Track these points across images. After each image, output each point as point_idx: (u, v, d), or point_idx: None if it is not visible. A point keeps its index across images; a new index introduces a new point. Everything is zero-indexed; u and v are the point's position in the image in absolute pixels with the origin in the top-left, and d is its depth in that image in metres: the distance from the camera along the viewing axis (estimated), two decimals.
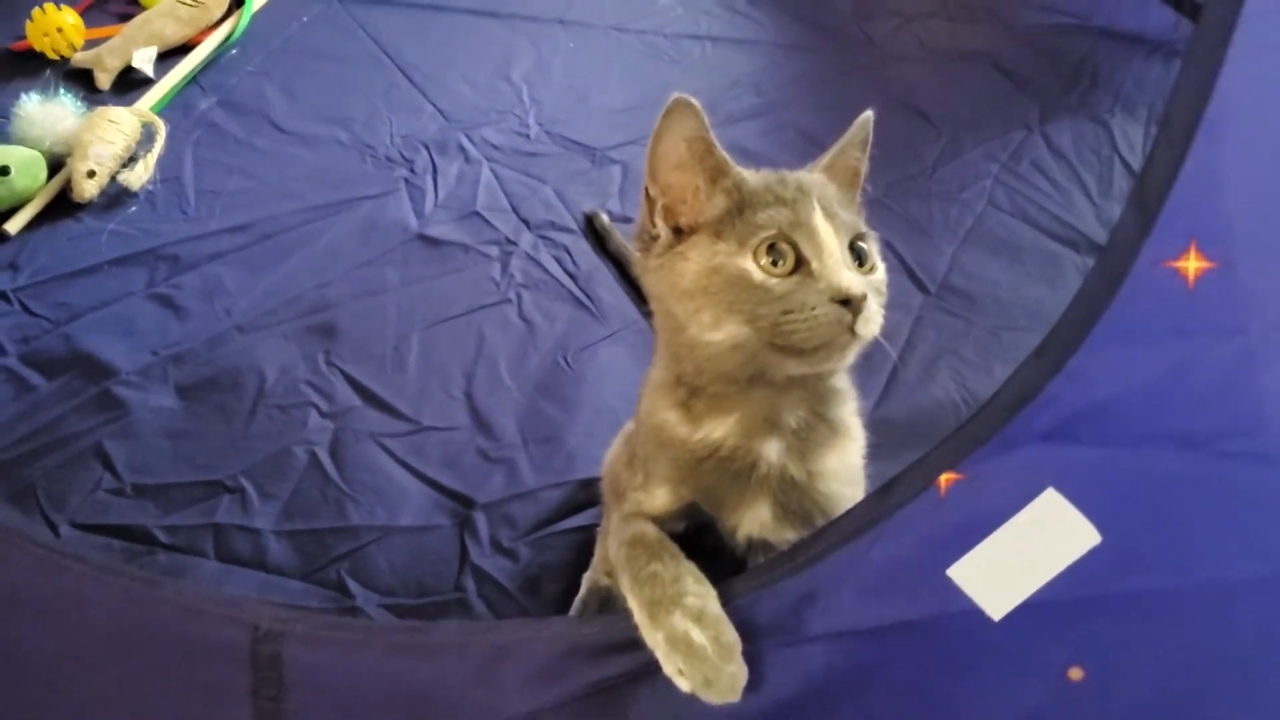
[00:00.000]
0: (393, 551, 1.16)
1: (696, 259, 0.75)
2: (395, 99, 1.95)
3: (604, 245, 1.61)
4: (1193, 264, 0.61)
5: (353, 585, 1.12)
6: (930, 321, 1.46)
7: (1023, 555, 0.66)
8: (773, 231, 0.73)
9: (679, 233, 0.78)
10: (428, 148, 1.81)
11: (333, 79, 2.00)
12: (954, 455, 0.68)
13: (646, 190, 0.78)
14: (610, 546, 0.86)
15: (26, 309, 1.46)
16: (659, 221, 0.78)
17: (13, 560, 0.89)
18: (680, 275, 0.76)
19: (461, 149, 1.81)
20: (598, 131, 1.86)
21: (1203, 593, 0.66)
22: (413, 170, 1.76)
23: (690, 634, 0.69)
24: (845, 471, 0.84)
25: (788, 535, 0.83)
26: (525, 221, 1.66)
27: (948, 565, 0.68)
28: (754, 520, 0.82)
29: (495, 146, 1.82)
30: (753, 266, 0.73)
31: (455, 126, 1.87)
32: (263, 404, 1.33)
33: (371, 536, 1.17)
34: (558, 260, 1.59)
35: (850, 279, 0.71)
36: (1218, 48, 0.59)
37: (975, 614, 0.68)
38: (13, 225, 1.59)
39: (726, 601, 0.74)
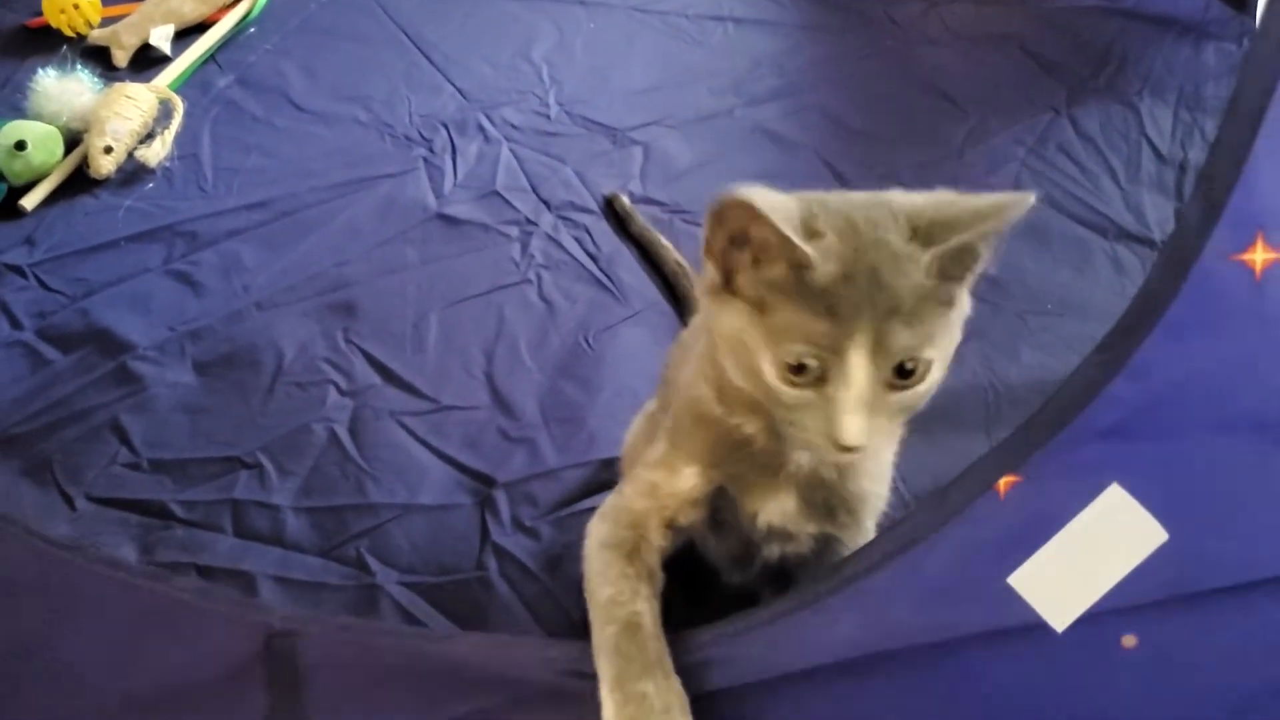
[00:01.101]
0: (413, 529, 1.14)
1: (732, 321, 0.69)
2: (414, 78, 1.93)
3: (625, 228, 1.59)
4: (1260, 256, 0.59)
5: (372, 562, 1.11)
6: None
7: (1086, 558, 0.64)
8: (802, 351, 0.65)
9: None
10: (447, 127, 1.79)
11: (352, 58, 1.99)
12: (1013, 457, 0.66)
13: (708, 243, 0.70)
14: (592, 551, 0.84)
15: (43, 284, 1.45)
16: (711, 266, 0.71)
17: (22, 556, 0.88)
18: (719, 323, 0.72)
19: (481, 129, 1.79)
20: (619, 112, 1.84)
21: (1269, 589, 0.64)
22: (432, 149, 1.74)
23: None
24: (876, 469, 0.82)
25: (808, 527, 0.82)
26: (545, 202, 1.64)
27: (1009, 572, 0.66)
28: (777, 510, 0.81)
29: (515, 126, 1.80)
30: (770, 369, 0.67)
31: (475, 106, 1.85)
32: (281, 381, 1.32)
33: (391, 514, 1.16)
34: (578, 241, 1.57)
35: (851, 431, 0.64)
36: None
37: (1038, 627, 0.65)
38: (30, 200, 1.58)
39: (771, 622, 0.74)
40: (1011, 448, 0.67)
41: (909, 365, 0.66)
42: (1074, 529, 0.64)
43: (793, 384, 0.66)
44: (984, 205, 0.67)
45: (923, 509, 0.72)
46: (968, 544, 0.68)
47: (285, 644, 0.83)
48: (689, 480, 0.82)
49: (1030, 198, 0.65)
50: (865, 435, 0.65)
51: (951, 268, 0.66)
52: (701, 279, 0.74)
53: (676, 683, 0.74)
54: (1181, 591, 0.64)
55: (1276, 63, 0.57)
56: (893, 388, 0.66)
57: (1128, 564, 0.63)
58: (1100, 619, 0.65)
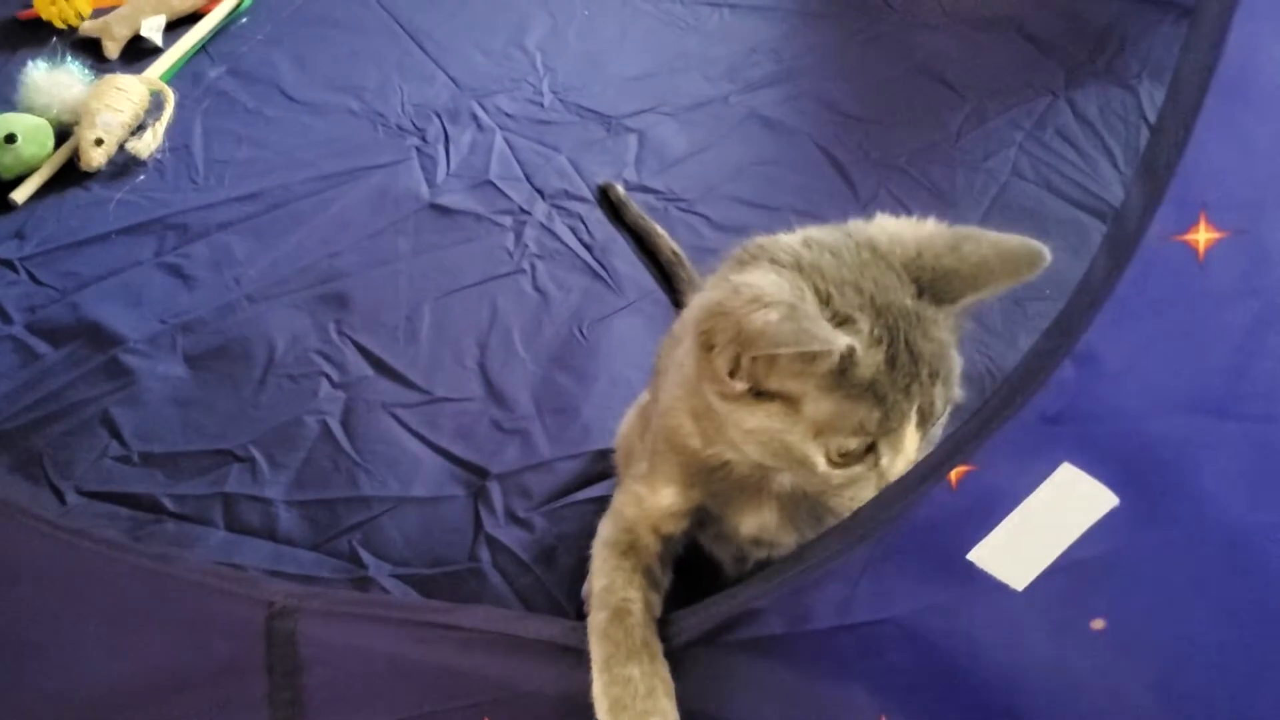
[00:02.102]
0: (406, 522, 1.14)
1: (762, 421, 0.67)
2: (407, 67, 1.92)
3: (620, 217, 1.57)
4: (1203, 235, 0.59)
5: (365, 555, 1.10)
6: None
7: (1042, 527, 0.65)
8: (855, 443, 0.66)
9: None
10: (440, 116, 1.78)
11: (344, 47, 1.97)
12: (965, 447, 0.66)
13: (738, 355, 0.67)
14: (596, 562, 0.84)
15: (33, 278, 1.44)
16: (737, 381, 0.67)
17: (21, 537, 0.88)
18: (741, 418, 0.68)
19: (474, 117, 1.78)
20: (613, 99, 1.83)
21: (1222, 542, 0.65)
22: (424, 139, 1.73)
23: None
24: None
25: (788, 539, 0.83)
26: (539, 191, 1.63)
27: (965, 551, 0.67)
28: (756, 523, 0.81)
29: (508, 115, 1.79)
30: (821, 460, 0.67)
31: (468, 94, 1.84)
32: (273, 373, 1.31)
33: (384, 507, 1.15)
34: (572, 230, 1.56)
35: (899, 473, 0.68)
36: (1225, 12, 0.56)
37: (998, 588, 0.67)
38: (20, 194, 1.57)
39: (747, 600, 0.75)
40: (962, 437, 0.67)
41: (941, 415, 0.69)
42: (1029, 505, 0.65)
43: (839, 466, 0.67)
44: (990, 259, 0.67)
45: (876, 503, 0.72)
46: (923, 532, 0.68)
47: (285, 624, 0.83)
48: (668, 499, 0.83)
49: (1045, 257, 0.67)
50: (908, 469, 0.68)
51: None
52: (706, 374, 0.70)
53: (663, 667, 0.76)
54: (1134, 545, 0.64)
55: (1216, 41, 0.56)
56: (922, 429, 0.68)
57: (1081, 526, 0.64)
58: (1062, 578, 0.65)
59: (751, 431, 0.69)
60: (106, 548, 0.89)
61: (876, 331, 0.65)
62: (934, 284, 0.68)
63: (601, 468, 1.18)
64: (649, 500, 0.83)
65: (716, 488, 0.80)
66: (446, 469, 1.20)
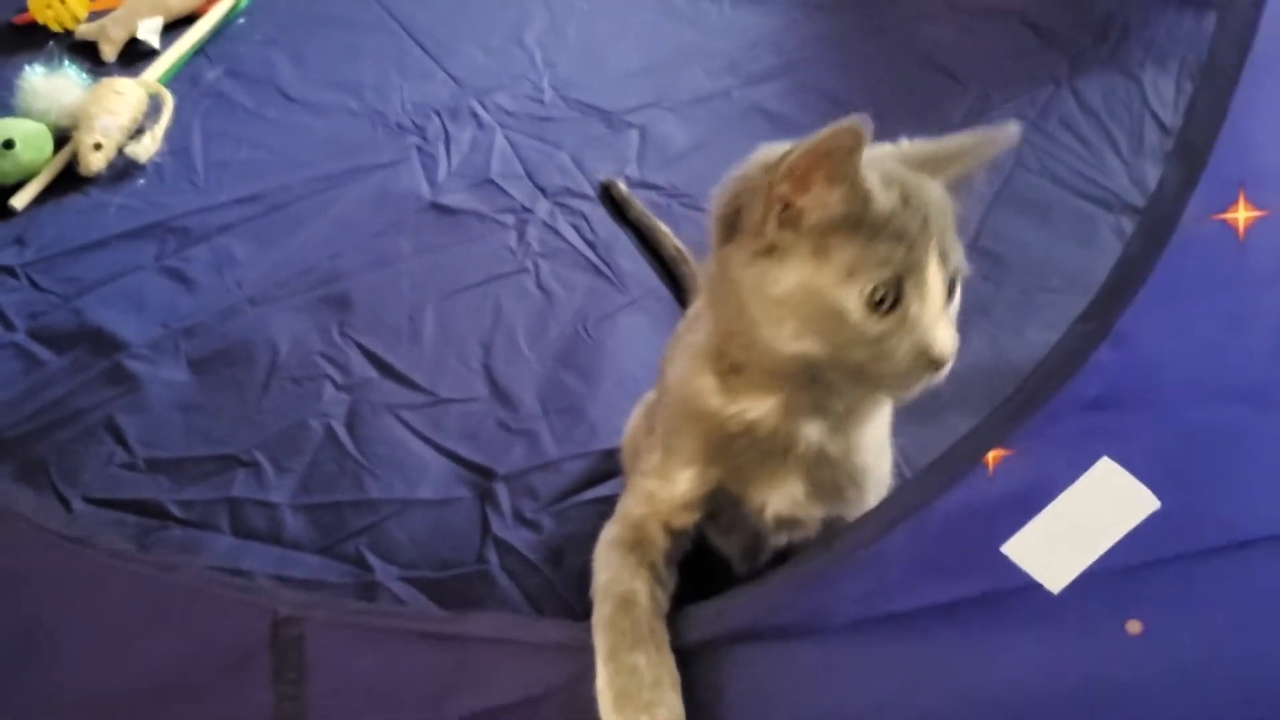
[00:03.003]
0: (412, 524, 1.13)
1: (795, 274, 0.69)
2: (406, 65, 1.91)
3: (623, 214, 1.57)
4: (1242, 214, 0.58)
5: (372, 559, 1.09)
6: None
7: (1079, 526, 0.64)
8: (886, 274, 0.67)
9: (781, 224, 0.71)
10: (440, 114, 1.77)
11: (342, 46, 1.96)
12: (1000, 431, 0.66)
13: (770, 186, 0.69)
14: (600, 560, 0.83)
15: (34, 284, 1.44)
16: (771, 223, 0.69)
17: (27, 546, 0.87)
18: (773, 282, 0.70)
19: (474, 115, 1.77)
20: (614, 95, 1.82)
21: (1267, 546, 0.64)
22: (425, 138, 1.72)
23: None
24: (876, 445, 0.82)
25: (816, 512, 0.81)
26: (541, 189, 1.62)
27: (1001, 542, 0.65)
28: (785, 498, 0.80)
29: (509, 112, 1.78)
30: (853, 306, 0.67)
31: (468, 92, 1.83)
32: (276, 377, 1.30)
33: (390, 510, 1.14)
34: (575, 228, 1.55)
35: (945, 340, 0.68)
36: None
37: (1033, 588, 0.65)
38: (19, 200, 1.56)
39: (768, 593, 0.74)
40: (999, 421, 0.67)
41: (955, 278, 0.71)
42: (1066, 499, 0.64)
43: (875, 316, 0.68)
44: (968, 140, 0.75)
45: (912, 486, 0.71)
46: (959, 516, 0.67)
47: (291, 632, 0.82)
48: (684, 485, 0.81)
49: (1014, 126, 0.74)
50: (953, 342, 0.68)
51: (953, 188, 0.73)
52: (728, 248, 0.73)
53: (670, 658, 0.74)
54: (1176, 552, 0.63)
55: (1251, 19, 0.55)
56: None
57: (1120, 530, 0.63)
58: (1100, 585, 0.64)
59: (785, 296, 0.69)
60: (110, 556, 0.88)
61: (885, 180, 0.69)
62: (924, 165, 0.73)
63: (609, 467, 1.17)
64: (662, 493, 0.82)
65: (738, 460, 0.78)
66: (452, 470, 1.19)
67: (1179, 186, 0.59)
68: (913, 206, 0.68)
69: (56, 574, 0.87)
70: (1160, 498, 0.62)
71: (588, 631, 0.80)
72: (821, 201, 0.68)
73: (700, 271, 0.81)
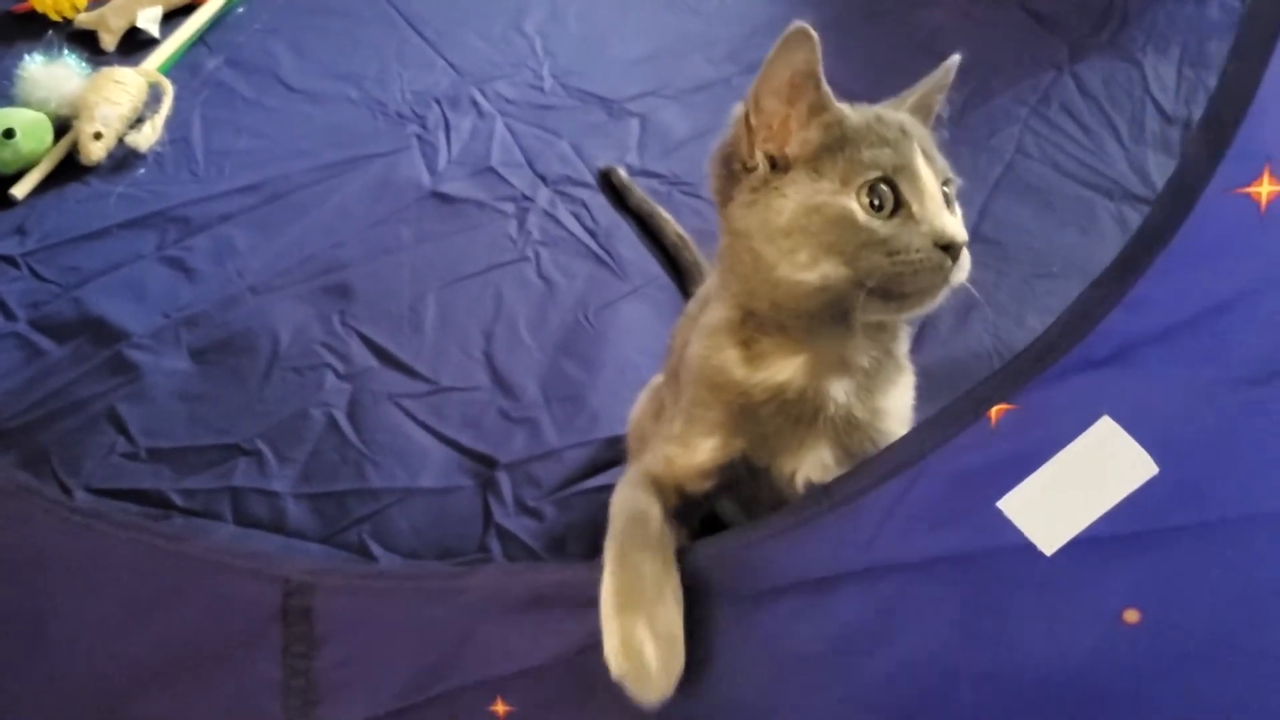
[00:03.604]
0: (414, 513, 1.13)
1: (796, 196, 0.72)
2: (406, 54, 1.90)
3: (623, 201, 1.56)
4: (1266, 189, 0.58)
5: (374, 547, 1.10)
6: None
7: (1076, 487, 0.64)
8: (877, 172, 0.71)
9: (774, 167, 0.75)
10: (440, 103, 1.76)
11: (342, 35, 1.96)
12: (1007, 386, 0.66)
13: (746, 119, 0.75)
14: (616, 497, 0.83)
15: (35, 274, 1.43)
16: (758, 153, 0.75)
17: (35, 521, 0.88)
18: (777, 212, 0.72)
19: (474, 103, 1.77)
20: (614, 83, 1.82)
21: (1266, 523, 0.63)
22: (425, 126, 1.72)
23: (644, 648, 0.68)
24: (900, 412, 0.82)
25: None
26: (541, 177, 1.62)
27: (998, 497, 0.66)
28: (815, 463, 0.80)
29: (509, 100, 1.78)
30: (857, 206, 0.71)
31: (467, 81, 1.82)
32: (278, 366, 1.30)
33: (392, 498, 1.15)
34: (576, 216, 1.55)
35: (953, 224, 0.71)
36: None
37: (1027, 549, 0.66)
38: (20, 189, 1.56)
39: (766, 538, 0.74)
40: (1006, 375, 0.67)
41: (947, 189, 0.75)
42: (1064, 458, 0.64)
43: (879, 218, 0.71)
44: (919, 87, 0.84)
45: (914, 435, 0.72)
46: (958, 468, 0.68)
47: (301, 602, 0.83)
48: (705, 454, 0.81)
49: (955, 57, 0.84)
50: (962, 228, 0.71)
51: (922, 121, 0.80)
52: (730, 192, 0.77)
53: (675, 574, 0.74)
54: (1173, 523, 0.63)
55: None
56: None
57: (1118, 494, 0.63)
58: (1095, 559, 0.64)
59: (791, 222, 0.72)
60: (120, 529, 0.88)
61: (854, 109, 0.75)
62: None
63: (611, 455, 1.18)
64: (680, 459, 0.82)
65: (764, 429, 0.79)
66: (454, 459, 1.19)
67: (1204, 159, 0.59)
68: (886, 121, 0.74)
69: (66, 550, 0.87)
70: (1161, 465, 0.63)
71: (594, 569, 0.78)
72: (803, 135, 0.73)
73: (712, 257, 0.82)
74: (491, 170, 1.63)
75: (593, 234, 1.51)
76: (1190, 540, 0.63)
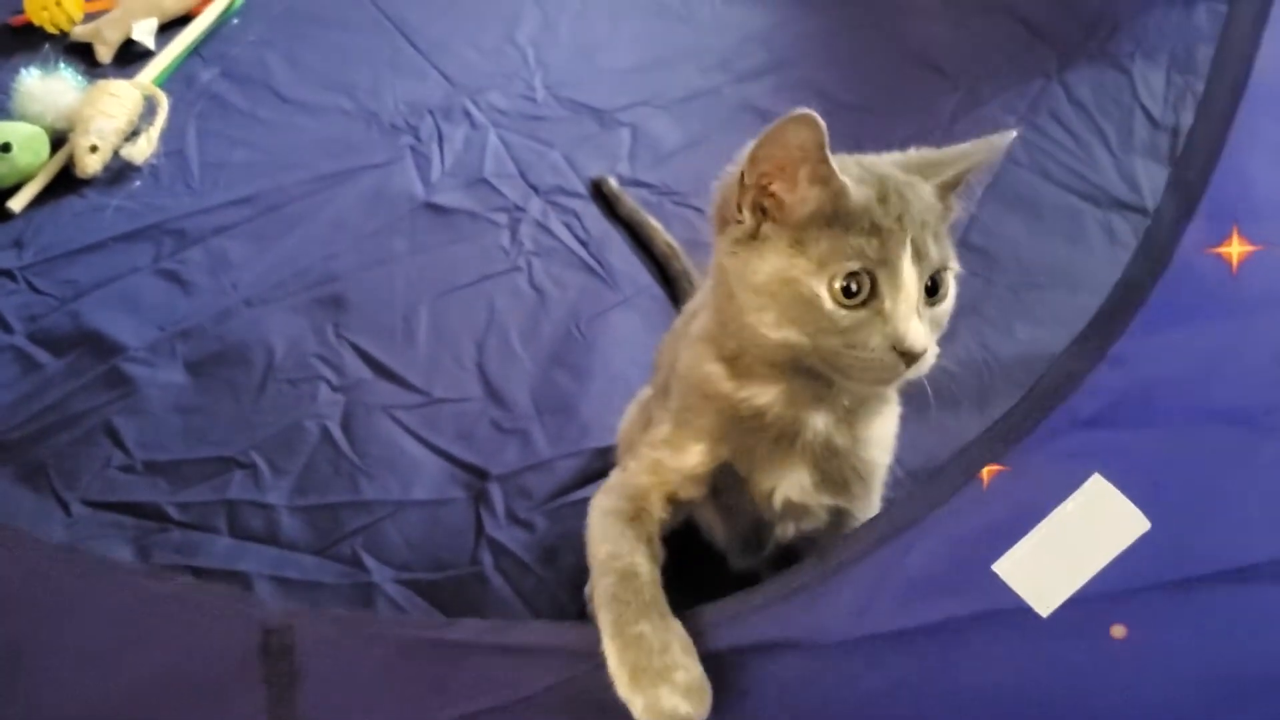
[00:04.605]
0: (407, 525, 1.15)
1: (772, 263, 0.72)
2: (399, 65, 1.91)
3: (614, 211, 1.58)
4: (1236, 249, 0.60)
5: (368, 560, 1.11)
6: None
7: (1070, 546, 0.65)
8: (857, 265, 0.70)
9: (764, 214, 0.74)
10: (433, 114, 1.78)
11: (335, 46, 1.97)
12: (997, 447, 0.67)
13: (741, 176, 0.73)
14: (596, 529, 0.84)
15: (32, 287, 1.44)
16: (745, 212, 0.74)
17: (15, 558, 0.88)
18: (753, 272, 0.73)
19: (467, 114, 1.78)
20: (606, 93, 1.83)
21: (1256, 573, 0.64)
22: (418, 137, 1.73)
23: (678, 709, 0.69)
24: (883, 439, 0.84)
25: (824, 500, 0.83)
26: (534, 187, 1.63)
27: (993, 560, 0.66)
28: (794, 484, 0.81)
29: (501, 111, 1.79)
30: (825, 294, 0.70)
31: (460, 92, 1.83)
32: (272, 378, 1.31)
33: (385, 511, 1.16)
34: (568, 226, 1.56)
35: (916, 334, 0.69)
36: (1256, 25, 0.57)
37: (1023, 611, 0.66)
38: (16, 203, 1.57)
39: (758, 608, 0.75)
40: (995, 436, 0.68)
41: (938, 279, 0.73)
42: (1057, 517, 0.65)
43: (848, 306, 0.70)
44: (966, 146, 0.76)
45: (908, 498, 0.73)
46: (952, 532, 0.69)
47: (282, 640, 0.83)
48: (694, 457, 0.83)
49: (1011, 132, 0.75)
50: (927, 337, 0.70)
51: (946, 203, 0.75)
52: (719, 238, 0.76)
53: (675, 623, 0.75)
54: (1166, 578, 0.64)
55: (1247, 55, 0.56)
56: (928, 303, 0.72)
57: (1111, 552, 0.64)
58: (1088, 606, 0.65)
59: (764, 284, 0.72)
60: (99, 566, 0.89)
61: (867, 180, 0.72)
62: (920, 168, 0.76)
63: (601, 465, 1.19)
64: (671, 462, 0.83)
65: (748, 442, 0.80)
66: (447, 471, 1.21)
67: (1175, 218, 0.61)
68: (890, 203, 0.71)
69: (43, 586, 0.87)
70: (1151, 519, 0.63)
71: (574, 631, 0.81)
72: (799, 195, 0.72)
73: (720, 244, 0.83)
74: (484, 181, 1.64)
75: (584, 244, 1.52)
76: (1182, 592, 0.64)
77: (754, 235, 0.74)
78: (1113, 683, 0.67)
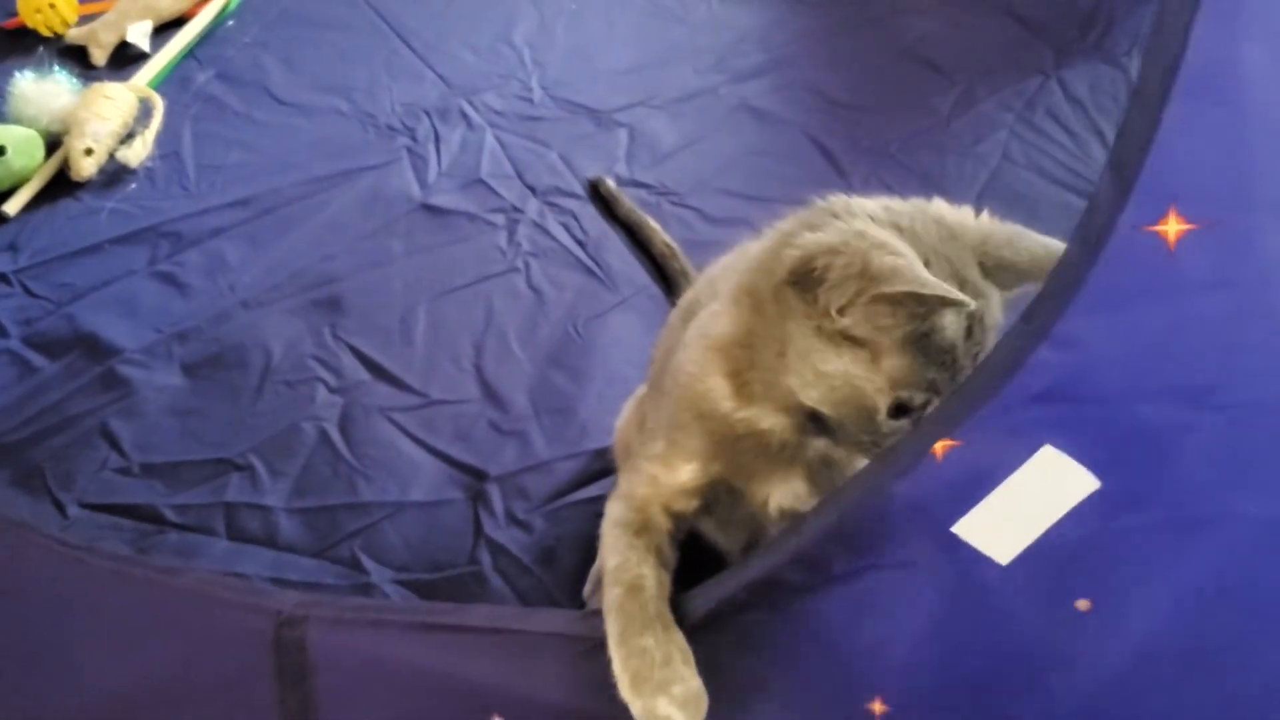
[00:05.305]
0: (406, 527, 1.14)
1: (845, 364, 0.70)
2: (395, 66, 1.91)
3: (612, 211, 1.57)
4: (1173, 227, 0.60)
5: (367, 561, 1.10)
6: None
7: (1025, 507, 0.67)
8: (924, 398, 0.70)
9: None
10: (429, 115, 1.77)
11: (331, 48, 1.97)
12: (949, 423, 0.67)
13: (858, 293, 0.68)
14: (608, 537, 0.84)
15: (28, 290, 1.44)
16: (843, 318, 0.70)
17: (26, 554, 0.88)
18: (821, 359, 0.71)
19: (464, 115, 1.78)
20: (602, 93, 1.83)
21: (1206, 526, 0.66)
22: (415, 139, 1.73)
23: (672, 717, 0.71)
24: None
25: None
26: (531, 188, 1.63)
27: (949, 525, 0.68)
28: (788, 494, 0.81)
29: (498, 112, 1.79)
30: (883, 408, 0.70)
31: (457, 92, 1.83)
32: (270, 380, 1.31)
33: (384, 512, 1.16)
34: (565, 227, 1.56)
35: None
36: (1188, 8, 0.57)
37: (981, 559, 0.68)
38: (11, 206, 1.57)
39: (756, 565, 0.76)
40: (947, 414, 0.69)
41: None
42: (1011, 484, 0.66)
43: (899, 417, 0.71)
44: (1039, 259, 0.72)
45: (863, 475, 0.74)
46: (907, 502, 0.70)
47: (294, 633, 0.83)
48: (686, 474, 0.82)
49: None
50: None
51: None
52: (806, 308, 0.71)
53: (678, 635, 0.76)
54: (1121, 526, 0.66)
55: (1180, 35, 0.57)
56: None
57: (1064, 507, 0.66)
58: (1048, 566, 0.68)
59: (827, 375, 0.71)
60: (111, 561, 0.89)
61: (959, 309, 0.69)
62: (993, 270, 0.73)
63: (600, 466, 1.19)
64: (664, 478, 0.83)
65: (741, 459, 0.80)
66: (445, 472, 1.20)
67: (1112, 197, 0.61)
68: (973, 338, 0.70)
69: (57, 581, 0.88)
70: (1103, 480, 0.65)
71: (583, 620, 0.81)
72: (897, 323, 0.69)
73: (724, 276, 0.82)
74: (481, 182, 1.63)
75: (582, 244, 1.52)
76: (1133, 540, 0.67)
77: (836, 329, 0.70)
78: (1077, 653, 0.69)
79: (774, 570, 0.76)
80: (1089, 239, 0.62)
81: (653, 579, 0.79)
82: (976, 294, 0.70)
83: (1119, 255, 0.61)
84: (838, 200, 0.75)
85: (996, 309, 0.72)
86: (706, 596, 0.80)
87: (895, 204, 0.75)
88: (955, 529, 0.68)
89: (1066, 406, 0.64)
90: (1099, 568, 0.68)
